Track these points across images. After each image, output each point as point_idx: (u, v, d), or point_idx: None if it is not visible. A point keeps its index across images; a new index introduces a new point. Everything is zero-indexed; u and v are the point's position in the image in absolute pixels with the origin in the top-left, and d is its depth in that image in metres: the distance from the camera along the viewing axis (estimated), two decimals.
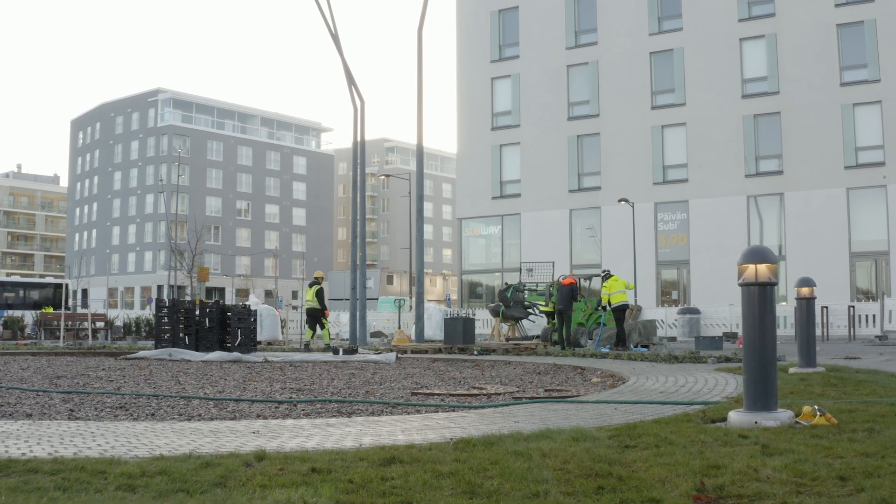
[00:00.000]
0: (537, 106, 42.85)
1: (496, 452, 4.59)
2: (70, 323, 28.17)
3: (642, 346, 20.02)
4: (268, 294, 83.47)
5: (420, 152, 23.23)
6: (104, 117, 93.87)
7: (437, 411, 7.77)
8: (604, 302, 20.14)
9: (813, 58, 36.71)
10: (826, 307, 27.64)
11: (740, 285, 6.25)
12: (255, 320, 18.73)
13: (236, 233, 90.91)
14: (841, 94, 36.14)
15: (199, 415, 7.47)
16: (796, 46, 37.07)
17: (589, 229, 41.38)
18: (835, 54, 36.37)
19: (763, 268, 6.11)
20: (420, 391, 9.76)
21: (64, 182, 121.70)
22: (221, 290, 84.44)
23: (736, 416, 5.98)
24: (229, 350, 17.77)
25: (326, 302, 22.72)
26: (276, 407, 8.15)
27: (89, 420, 6.95)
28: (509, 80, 43.99)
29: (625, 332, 20.13)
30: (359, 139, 24.85)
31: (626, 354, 15.89)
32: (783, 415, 5.93)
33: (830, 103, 36.24)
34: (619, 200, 37.32)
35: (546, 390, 9.85)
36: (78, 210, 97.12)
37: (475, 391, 9.79)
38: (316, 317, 21.50)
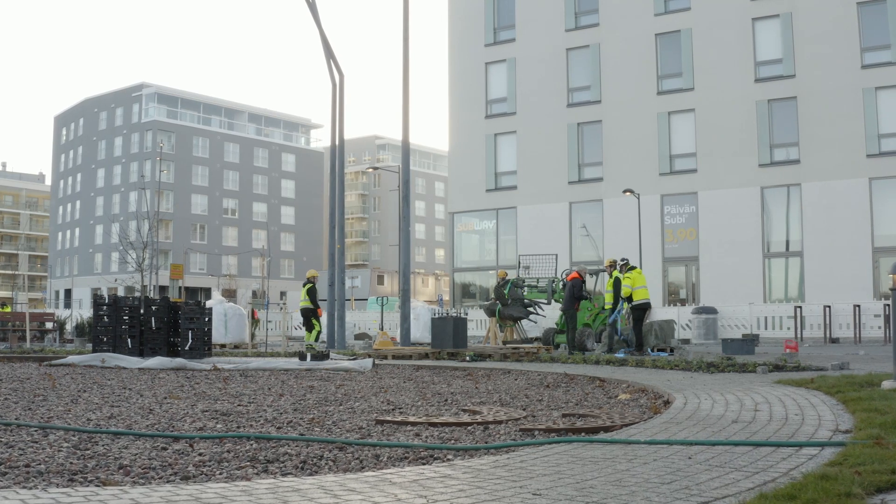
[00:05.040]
0: (535, 92, 40.05)
1: None
2: (12, 323, 25.26)
3: (660, 351, 17.32)
4: (255, 295, 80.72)
5: (406, 129, 20.46)
6: (87, 113, 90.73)
7: (404, 458, 5.06)
8: (625, 294, 17.25)
9: (831, 38, 34.04)
10: (858, 306, 24.99)
11: None
12: (209, 320, 15.98)
13: (223, 232, 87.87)
14: (862, 77, 33.50)
15: (27, 465, 4.75)
16: (813, 26, 34.42)
17: (582, 227, 38.57)
18: (855, 35, 33.73)
19: None
20: (389, 417, 7.03)
21: (49, 180, 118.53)
22: (207, 291, 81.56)
23: None
24: (176, 355, 15.06)
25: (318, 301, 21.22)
26: (163, 448, 5.42)
27: None
28: (505, 65, 41.21)
29: (643, 334, 17.42)
30: (338, 115, 22.23)
31: (649, 361, 13.30)
32: None
33: (850, 87, 33.60)
34: (624, 192, 34.54)
35: (564, 415, 7.13)
36: (61, 208, 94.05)
37: (466, 416, 7.09)
38: (308, 317, 20.47)
